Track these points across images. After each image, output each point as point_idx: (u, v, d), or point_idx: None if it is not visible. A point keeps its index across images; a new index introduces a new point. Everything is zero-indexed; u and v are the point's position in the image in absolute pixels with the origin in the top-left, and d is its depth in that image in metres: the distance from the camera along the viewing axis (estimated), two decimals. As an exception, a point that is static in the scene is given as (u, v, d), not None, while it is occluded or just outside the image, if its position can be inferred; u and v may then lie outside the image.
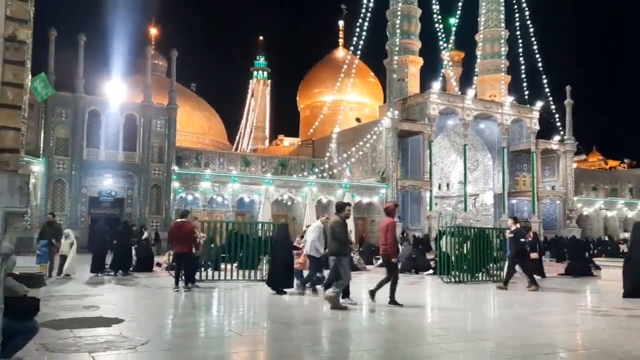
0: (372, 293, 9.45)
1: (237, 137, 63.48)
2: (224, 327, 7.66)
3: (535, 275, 13.56)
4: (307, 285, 11.39)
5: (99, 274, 14.21)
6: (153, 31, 55.12)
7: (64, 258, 13.82)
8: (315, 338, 6.99)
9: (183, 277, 11.53)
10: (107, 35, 31.65)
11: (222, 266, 13.82)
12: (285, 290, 10.97)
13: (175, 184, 29.24)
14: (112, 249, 15.53)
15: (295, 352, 5.88)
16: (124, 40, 31.59)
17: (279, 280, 11.04)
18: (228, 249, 14.55)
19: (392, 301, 9.21)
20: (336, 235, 8.74)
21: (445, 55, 41.71)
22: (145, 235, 18.40)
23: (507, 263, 13.94)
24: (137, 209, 28.13)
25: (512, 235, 13.15)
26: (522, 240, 13.12)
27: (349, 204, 9.83)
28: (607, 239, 32.87)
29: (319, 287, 10.94)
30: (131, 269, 15.03)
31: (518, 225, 13.51)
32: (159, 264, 16.81)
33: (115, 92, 29.39)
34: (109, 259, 15.29)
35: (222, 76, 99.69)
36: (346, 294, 9.36)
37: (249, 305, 10.52)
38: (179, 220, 12.26)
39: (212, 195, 30.58)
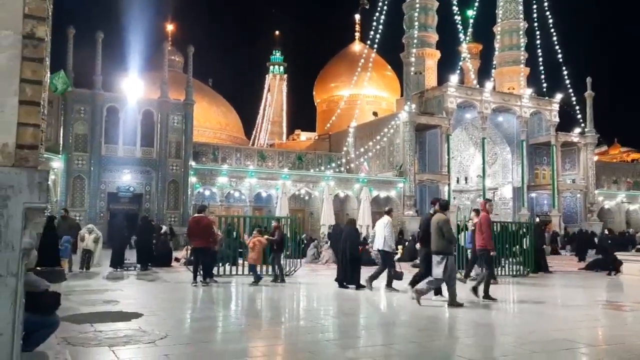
0: (475, 289, 9.54)
1: (254, 132, 63.66)
2: (242, 322, 7.69)
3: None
4: (373, 281, 11.08)
5: (118, 269, 14.39)
6: (170, 27, 55.38)
7: (86, 253, 14.00)
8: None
9: (201, 272, 11.61)
10: (124, 33, 31.95)
11: (240, 261, 13.88)
12: (349, 286, 10.98)
13: (193, 179, 29.45)
14: (134, 244, 15.71)
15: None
16: (141, 37, 31.87)
17: (347, 277, 11.10)
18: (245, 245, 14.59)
19: (487, 296, 9.41)
20: (445, 233, 8.70)
21: (463, 47, 41.21)
22: (164, 230, 18.59)
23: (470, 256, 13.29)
24: (155, 204, 28.42)
25: (474, 228, 12.50)
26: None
27: (448, 202, 10.03)
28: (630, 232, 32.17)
29: (406, 285, 10.74)
30: (149, 264, 15.18)
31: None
32: (177, 259, 16.97)
33: (133, 89, 29.65)
34: (127, 254, 15.49)
35: (239, 71, 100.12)
36: (439, 291, 9.36)
37: (274, 299, 10.55)
38: (196, 215, 12.29)
39: (230, 190, 30.73)
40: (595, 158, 42.83)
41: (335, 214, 31.12)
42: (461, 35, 39.33)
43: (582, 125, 39.50)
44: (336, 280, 11.44)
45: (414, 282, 9.60)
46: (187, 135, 29.42)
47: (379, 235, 10.93)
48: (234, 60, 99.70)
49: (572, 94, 39.57)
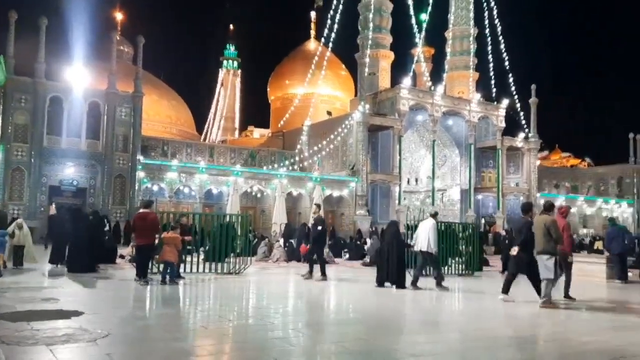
0: (567, 294, 9.96)
1: (206, 127, 62.61)
2: (189, 320, 7.50)
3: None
4: (418, 280, 11.25)
5: (58, 265, 13.74)
6: (119, 16, 53.62)
7: (18, 249, 13.27)
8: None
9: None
10: (70, 20, 30.55)
11: (188, 258, 13.57)
12: (399, 287, 11.05)
13: (141, 174, 28.61)
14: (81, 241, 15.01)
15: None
16: (89, 25, 30.60)
17: (393, 277, 11.19)
18: (194, 241, 14.31)
19: (567, 295, 9.93)
20: (552, 234, 8.91)
21: (416, 51, 42.04)
22: (108, 227, 17.92)
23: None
24: (100, 199, 27.41)
25: (313, 222, 12.87)
26: (319, 228, 12.71)
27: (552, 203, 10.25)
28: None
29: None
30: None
31: (320, 213, 13.35)
32: (122, 256, 16.41)
33: (79, 79, 28.44)
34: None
35: (192, 65, 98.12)
36: (506, 290, 9.50)
37: (222, 297, 10.35)
38: (142, 210, 11.57)
39: (179, 186, 30.07)
40: (538, 162, 44.73)
41: (287, 212, 31.03)
42: (414, 39, 40.11)
43: (526, 130, 41.16)
44: (377, 281, 11.49)
45: (506, 289, 9.52)
46: (136, 129, 28.54)
47: (423, 237, 11.29)
48: (187, 53, 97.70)
49: (518, 100, 41.20)
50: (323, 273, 12.53)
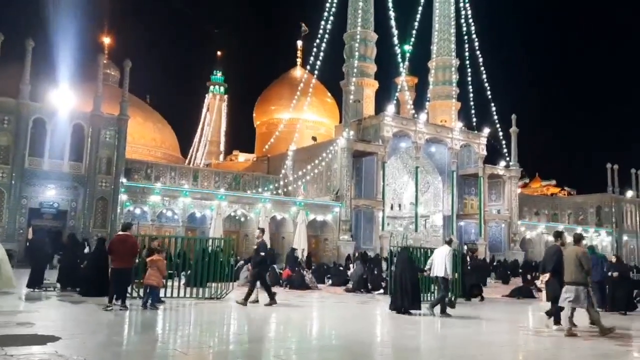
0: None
1: (191, 151, 62.50)
2: (168, 346, 7.40)
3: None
4: (435, 306, 11.59)
5: (36, 289, 13.47)
6: (106, 40, 53.83)
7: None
8: None
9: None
10: (58, 42, 30.61)
11: (169, 283, 13.41)
12: (411, 311, 11.42)
13: (123, 197, 28.34)
14: (57, 263, 14.81)
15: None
16: (76, 48, 30.68)
17: (409, 302, 11.50)
18: (175, 265, 14.18)
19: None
20: (584, 265, 9.11)
21: (400, 79, 42.81)
22: (88, 249, 17.64)
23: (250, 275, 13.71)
24: (80, 221, 27.02)
25: (255, 247, 12.90)
26: (262, 253, 12.71)
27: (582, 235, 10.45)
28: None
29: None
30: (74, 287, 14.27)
31: (264, 238, 13.39)
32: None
33: (64, 100, 28.34)
34: (48, 274, 14.56)
35: (178, 89, 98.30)
36: (558, 319, 9.71)
37: (203, 322, 10.22)
38: (121, 233, 11.31)
39: (162, 209, 29.81)
40: (519, 190, 45.39)
41: (270, 236, 30.90)
42: (398, 68, 40.87)
43: (507, 159, 41.84)
44: (392, 308, 11.76)
45: (556, 316, 9.74)
46: (120, 151, 28.39)
47: (439, 262, 11.64)
48: (174, 77, 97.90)
49: (499, 129, 42.02)
50: (271, 298, 12.33)
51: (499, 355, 7.62)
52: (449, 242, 12.42)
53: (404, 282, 11.65)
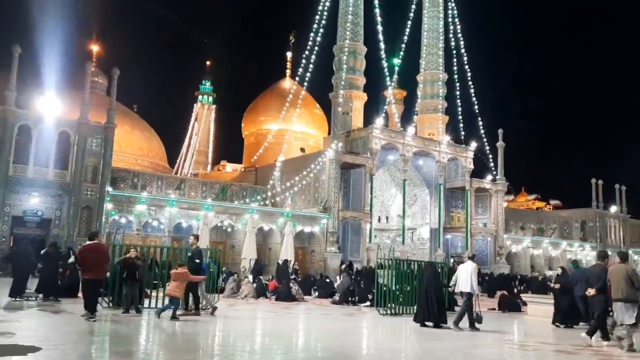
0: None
1: (178, 160, 62.15)
2: (151, 358, 7.29)
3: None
4: (459, 322, 11.79)
5: (17, 299, 13.23)
6: (95, 48, 53.51)
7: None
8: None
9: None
10: (45, 49, 30.36)
11: (154, 294, 13.25)
12: (441, 325, 11.74)
13: (109, 206, 28.04)
14: (38, 272, 14.55)
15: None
16: (64, 55, 30.48)
17: (434, 317, 11.84)
18: (160, 276, 14.02)
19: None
20: (635, 283, 9.35)
21: (389, 92, 43.11)
22: (72, 259, 17.37)
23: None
24: (65, 230, 26.65)
25: (190, 254, 12.63)
26: (197, 260, 12.44)
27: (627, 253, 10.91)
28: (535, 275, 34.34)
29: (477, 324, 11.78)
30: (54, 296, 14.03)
31: (197, 244, 13.09)
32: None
33: (50, 108, 28.06)
34: (30, 284, 14.31)
35: (166, 99, 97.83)
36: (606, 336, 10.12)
37: (188, 334, 10.08)
38: (90, 242, 10.89)
39: (148, 219, 29.53)
40: (505, 204, 45.74)
41: (257, 247, 30.75)
42: (387, 81, 41.20)
43: (494, 173, 42.23)
44: (415, 320, 12.20)
45: (592, 332, 10.04)
46: (106, 160, 28.13)
47: (465, 278, 11.97)
48: (162, 86, 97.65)
49: (486, 143, 42.41)
50: (198, 307, 12.13)
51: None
52: (472, 258, 12.69)
53: (429, 296, 11.96)
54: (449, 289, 13.04)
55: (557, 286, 13.77)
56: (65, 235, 26.28)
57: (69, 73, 37.59)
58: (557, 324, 13.38)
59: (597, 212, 48.34)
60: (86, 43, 52.86)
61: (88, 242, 11.12)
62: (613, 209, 49.22)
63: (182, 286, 11.37)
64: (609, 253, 11.39)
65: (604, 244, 48.41)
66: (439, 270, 13.75)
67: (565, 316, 13.41)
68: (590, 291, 10.04)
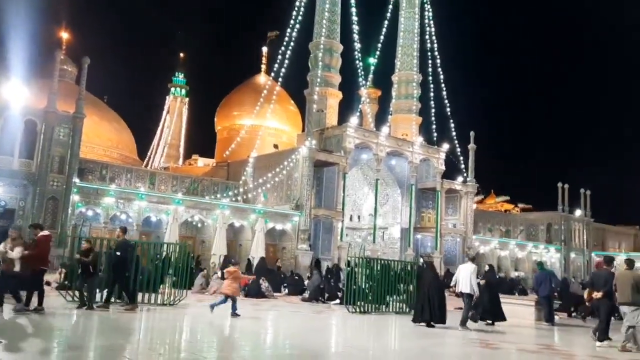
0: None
1: (149, 153, 61.13)
2: (115, 353, 7.13)
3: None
4: (467, 322, 12.17)
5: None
6: (64, 35, 52.06)
7: None
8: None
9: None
10: (12, 36, 29.36)
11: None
12: (434, 325, 11.96)
13: (75, 198, 27.34)
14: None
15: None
16: (32, 42, 29.52)
17: (435, 317, 12.05)
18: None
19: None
20: None
21: (363, 92, 43.27)
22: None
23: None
24: (29, 221, 25.81)
25: (114, 247, 12.29)
26: (118, 253, 12.04)
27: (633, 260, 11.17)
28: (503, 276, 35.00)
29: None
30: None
31: (124, 237, 12.66)
32: (48, 283, 15.47)
33: (17, 95, 27.19)
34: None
35: (137, 90, 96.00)
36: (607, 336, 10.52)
37: (154, 329, 9.90)
38: (44, 233, 10.93)
39: (116, 212, 28.92)
40: (474, 206, 46.50)
41: (228, 243, 30.48)
42: (362, 80, 41.36)
43: (465, 174, 42.87)
44: (414, 321, 12.42)
45: (602, 335, 10.50)
46: (74, 150, 27.40)
47: (465, 279, 12.31)
48: (133, 77, 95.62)
49: (457, 145, 43.01)
50: (132, 301, 11.97)
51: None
52: (473, 259, 13.03)
53: (431, 297, 12.16)
54: (450, 289, 13.41)
55: (482, 282, 14.15)
56: (29, 227, 25.49)
57: (37, 60, 36.54)
58: (478, 319, 13.64)
59: (562, 215, 49.63)
60: (56, 30, 51.41)
61: (44, 233, 10.92)
62: (578, 212, 50.60)
63: (235, 284, 12.07)
64: (614, 258, 11.83)
65: (568, 247, 49.81)
66: (438, 271, 13.98)
67: (485, 312, 13.85)
68: (597, 294, 10.48)
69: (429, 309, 12.12)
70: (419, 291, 12.98)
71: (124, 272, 12.10)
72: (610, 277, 10.52)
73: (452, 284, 13.00)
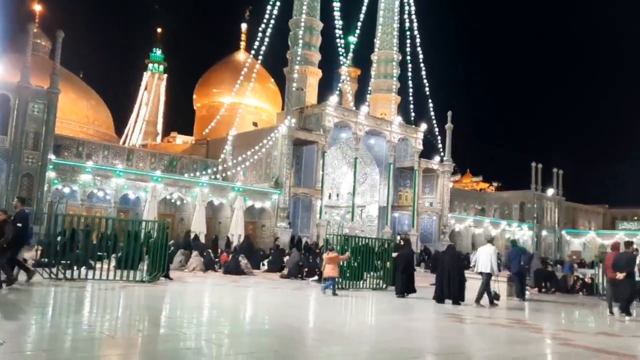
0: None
1: (126, 130, 60.19)
2: (95, 329, 7.24)
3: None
4: (481, 300, 12.79)
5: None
6: (38, 8, 50.47)
7: None
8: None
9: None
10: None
11: (98, 265, 13.02)
12: (460, 302, 12.64)
13: (51, 174, 26.94)
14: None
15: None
16: (3, 15, 28.59)
17: (454, 295, 12.68)
18: (105, 247, 13.78)
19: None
20: None
21: (343, 70, 43.13)
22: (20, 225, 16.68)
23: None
24: (3, 199, 25.45)
25: (12, 218, 11.27)
26: (20, 224, 11.05)
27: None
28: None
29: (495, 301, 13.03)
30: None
31: (23, 207, 12.12)
32: (25, 260, 15.38)
33: (-13, 69, 26.45)
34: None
35: (114, 65, 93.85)
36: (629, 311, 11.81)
37: (133, 305, 10.00)
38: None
39: (93, 189, 28.61)
40: (451, 185, 47.20)
41: (207, 221, 30.49)
42: (342, 59, 41.18)
43: (442, 154, 43.37)
44: (434, 298, 12.99)
45: (626, 311, 11.71)
46: (49, 127, 26.88)
47: (485, 259, 13.00)
48: (110, 53, 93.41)
49: (435, 125, 43.35)
50: (10, 280, 10.47)
51: (422, 341, 8.03)
52: (491, 241, 13.81)
53: (452, 276, 12.77)
54: (470, 269, 14.03)
55: (394, 255, 14.93)
56: (4, 204, 25.09)
57: (9, 34, 35.38)
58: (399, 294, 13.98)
59: (535, 194, 50.73)
60: (29, 2, 49.74)
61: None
62: (550, 191, 51.78)
63: (335, 267, 13.50)
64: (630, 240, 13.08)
65: (541, 225, 51.09)
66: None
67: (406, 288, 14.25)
68: (620, 275, 11.49)
69: (448, 288, 12.79)
70: (436, 271, 13.77)
71: (22, 244, 11.58)
72: (632, 258, 11.64)
73: (471, 264, 13.71)
